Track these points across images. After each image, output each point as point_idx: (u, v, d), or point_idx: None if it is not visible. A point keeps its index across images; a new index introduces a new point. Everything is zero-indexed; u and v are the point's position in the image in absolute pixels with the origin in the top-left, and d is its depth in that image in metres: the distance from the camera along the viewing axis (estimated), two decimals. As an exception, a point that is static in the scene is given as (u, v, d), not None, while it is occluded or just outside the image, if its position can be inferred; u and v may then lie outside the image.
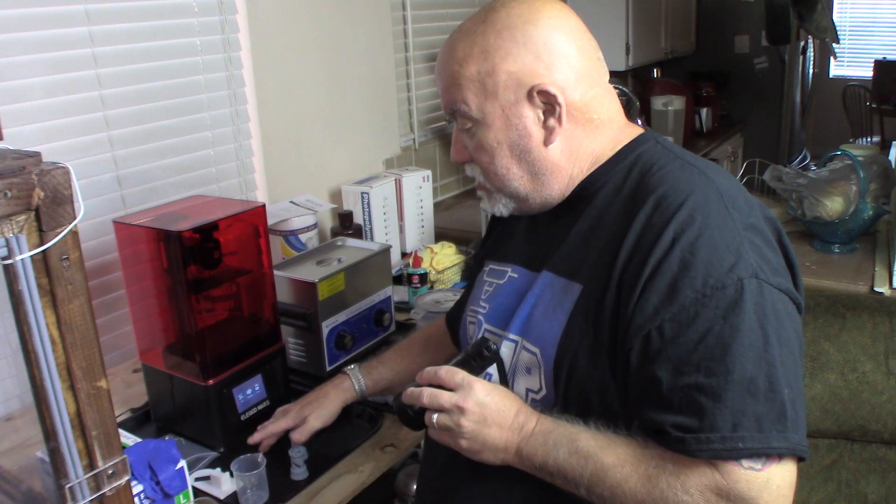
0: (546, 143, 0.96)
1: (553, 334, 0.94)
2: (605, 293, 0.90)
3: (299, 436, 1.28)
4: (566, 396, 0.94)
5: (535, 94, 0.93)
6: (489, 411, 0.92)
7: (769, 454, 0.82)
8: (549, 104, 0.94)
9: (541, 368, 0.96)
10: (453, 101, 0.97)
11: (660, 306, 0.84)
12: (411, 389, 0.98)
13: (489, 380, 0.99)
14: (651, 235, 0.87)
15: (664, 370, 0.84)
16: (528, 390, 0.99)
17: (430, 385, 0.97)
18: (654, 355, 0.85)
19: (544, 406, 0.97)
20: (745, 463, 0.81)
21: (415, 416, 0.99)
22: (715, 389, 0.81)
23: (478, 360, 0.97)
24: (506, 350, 1.01)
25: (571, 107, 0.94)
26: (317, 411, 1.31)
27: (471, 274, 1.26)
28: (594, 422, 0.90)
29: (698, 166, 0.94)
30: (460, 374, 0.95)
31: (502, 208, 1.03)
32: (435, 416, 0.95)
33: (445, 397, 0.94)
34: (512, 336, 1.01)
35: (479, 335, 1.07)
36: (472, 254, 2.11)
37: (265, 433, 1.31)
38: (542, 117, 0.95)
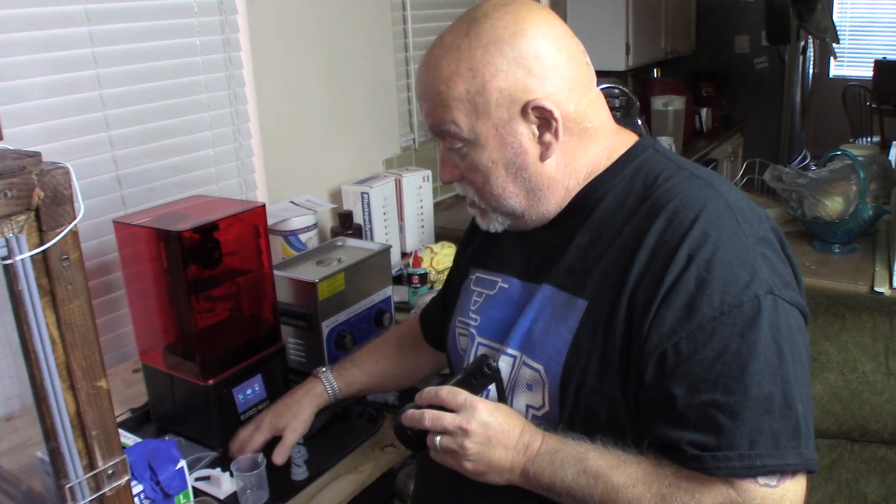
0: (542, 158, 0.92)
1: (557, 351, 0.93)
2: (615, 310, 0.88)
3: (280, 458, 1.23)
4: (573, 414, 0.93)
5: (529, 110, 0.89)
6: (493, 432, 0.90)
7: (784, 470, 0.82)
8: (545, 119, 0.90)
9: (545, 385, 0.94)
10: (441, 121, 0.92)
11: (677, 325, 0.84)
12: (412, 412, 0.95)
13: (487, 396, 0.97)
14: (665, 253, 0.86)
15: (680, 387, 0.83)
16: (528, 406, 0.97)
17: (431, 406, 0.94)
18: (670, 373, 0.84)
19: (546, 423, 0.95)
20: (762, 480, 0.81)
21: (415, 438, 0.97)
22: (733, 407, 0.81)
23: (478, 378, 0.94)
24: (504, 365, 0.98)
25: (567, 119, 0.91)
26: (292, 423, 1.25)
27: (451, 279, 1.22)
28: (601, 439, 0.89)
29: (704, 178, 0.93)
30: (462, 395, 0.92)
31: (497, 226, 1.00)
32: (438, 438, 0.93)
33: (448, 419, 0.92)
34: (511, 351, 0.98)
35: (473, 348, 1.05)
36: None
37: (245, 453, 1.24)
38: (536, 133, 0.91)
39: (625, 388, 0.89)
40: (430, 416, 0.93)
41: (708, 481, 0.82)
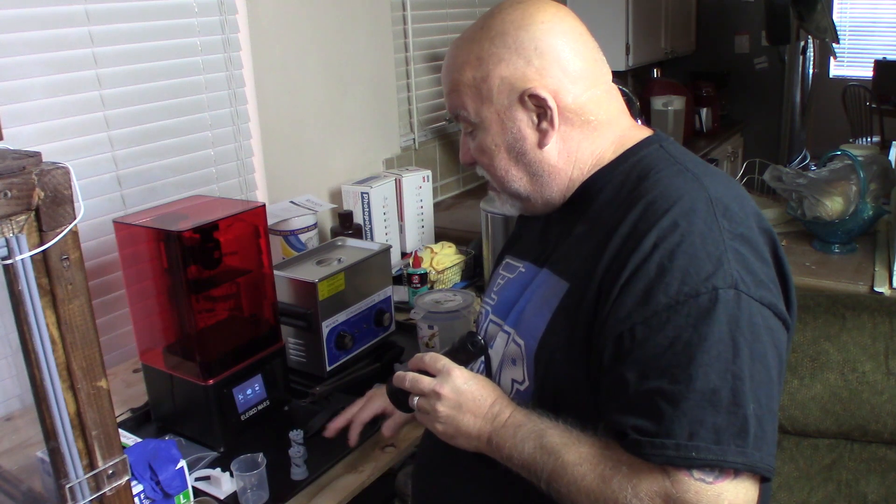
0: (540, 145, 0.97)
1: (537, 328, 0.97)
2: (586, 294, 0.91)
3: (388, 432, 1.31)
4: (542, 390, 0.97)
5: (526, 97, 0.95)
6: (464, 398, 0.96)
7: (723, 468, 0.80)
8: (542, 107, 0.95)
9: (524, 361, 0.99)
10: (454, 105, 1.01)
11: (633, 309, 0.85)
12: (399, 373, 1.02)
13: (480, 370, 1.03)
14: (634, 240, 0.87)
15: (632, 372, 0.84)
16: (513, 381, 1.01)
17: (418, 370, 1.01)
18: (624, 356, 0.85)
19: (526, 398, 0.99)
20: (696, 473, 0.80)
21: (401, 398, 1.03)
22: (675, 396, 0.81)
23: (463, 353, 1.01)
24: (500, 341, 1.05)
25: (566, 109, 0.96)
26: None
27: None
28: (564, 419, 0.91)
29: (695, 171, 0.94)
30: (442, 361, 0.99)
31: (510, 208, 1.06)
32: (416, 399, 0.99)
33: (425, 382, 0.98)
34: (506, 328, 1.05)
35: (485, 324, 1.11)
36: (472, 254, 2.11)
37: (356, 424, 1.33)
38: (535, 120, 0.97)
39: (587, 370, 0.91)
40: (410, 378, 1.00)
41: (647, 468, 0.82)
